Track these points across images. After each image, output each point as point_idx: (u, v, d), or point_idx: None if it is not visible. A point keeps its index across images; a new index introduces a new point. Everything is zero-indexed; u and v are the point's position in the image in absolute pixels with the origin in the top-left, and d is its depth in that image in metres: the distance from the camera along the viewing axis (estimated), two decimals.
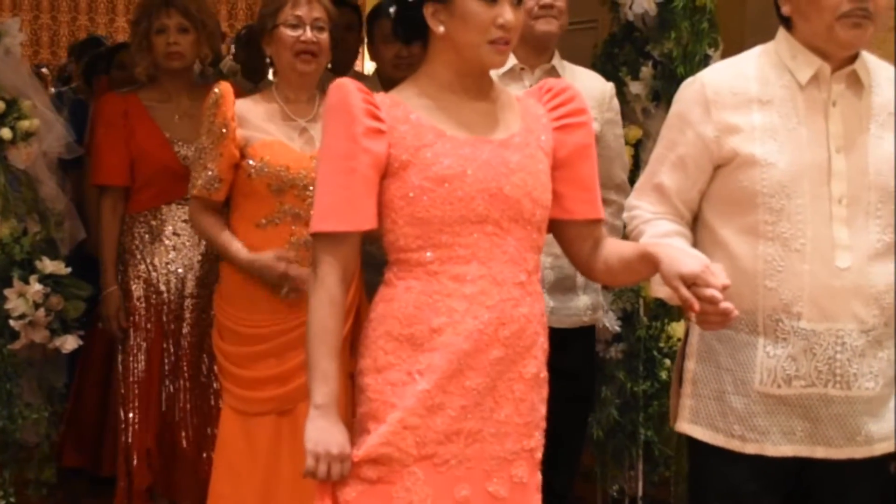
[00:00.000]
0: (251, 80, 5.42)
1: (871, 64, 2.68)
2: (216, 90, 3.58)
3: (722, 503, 2.70)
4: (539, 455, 2.56)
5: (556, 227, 2.62)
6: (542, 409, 2.57)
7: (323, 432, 2.41)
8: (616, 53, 4.52)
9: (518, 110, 2.58)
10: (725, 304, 2.29)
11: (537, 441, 2.55)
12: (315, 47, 3.56)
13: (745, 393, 2.63)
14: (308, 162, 3.50)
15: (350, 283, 2.52)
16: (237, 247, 3.56)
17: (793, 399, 2.59)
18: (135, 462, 4.17)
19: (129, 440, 4.20)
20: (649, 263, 2.45)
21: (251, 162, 3.52)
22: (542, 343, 2.55)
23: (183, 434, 4.23)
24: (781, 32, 2.69)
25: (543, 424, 2.58)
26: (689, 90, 2.73)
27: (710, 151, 2.65)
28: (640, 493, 4.55)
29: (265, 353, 3.56)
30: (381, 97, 2.50)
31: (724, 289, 2.30)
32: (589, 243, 2.62)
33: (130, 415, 4.20)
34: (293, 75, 3.60)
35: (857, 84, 2.63)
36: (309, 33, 3.54)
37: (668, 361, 4.37)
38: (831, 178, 2.58)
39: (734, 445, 2.65)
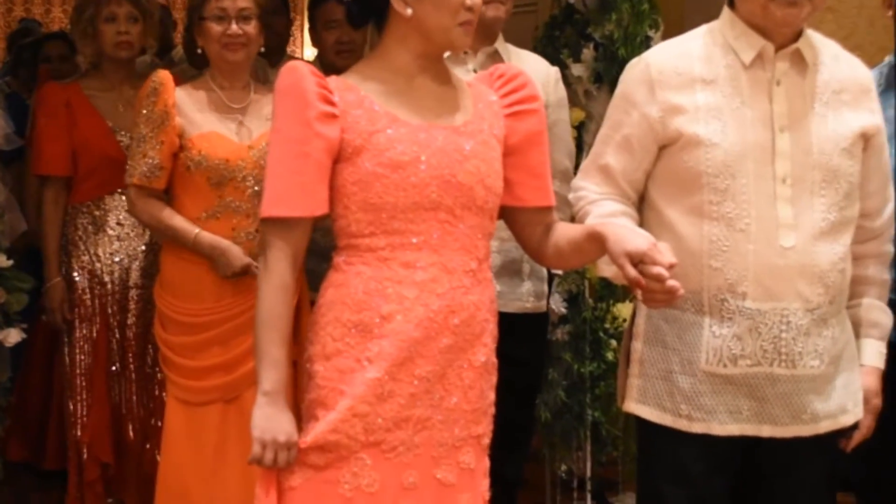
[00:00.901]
0: (197, 67, 5.39)
1: (817, 41, 2.68)
2: (155, 78, 3.57)
3: (670, 483, 2.69)
4: (486, 441, 2.57)
5: (506, 213, 2.62)
6: (491, 396, 2.57)
7: (270, 420, 2.39)
8: (557, 36, 4.53)
9: (470, 96, 2.57)
10: (672, 282, 2.28)
11: (485, 427, 2.55)
12: (242, 38, 3.55)
13: (692, 372, 2.63)
14: (246, 152, 3.50)
15: (300, 269, 2.51)
16: (196, 229, 3.53)
17: (739, 378, 2.60)
18: (84, 455, 4.15)
19: (78, 433, 4.17)
20: (596, 242, 2.44)
21: (189, 154, 3.50)
22: (492, 330, 2.55)
23: (129, 426, 4.21)
24: (725, 11, 2.69)
25: (492, 410, 2.58)
26: (635, 70, 2.73)
27: (654, 132, 2.65)
28: (588, 473, 4.57)
29: (210, 341, 3.55)
30: (333, 80, 2.47)
31: (670, 267, 2.29)
32: (539, 230, 2.62)
33: (78, 407, 4.17)
34: (224, 65, 3.60)
35: (801, 63, 2.63)
36: (234, 26, 3.53)
37: (614, 342, 4.39)
38: (775, 158, 2.58)
39: (681, 425, 2.65)
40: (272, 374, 2.41)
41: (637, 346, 2.75)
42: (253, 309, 3.29)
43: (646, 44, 4.25)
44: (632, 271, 2.30)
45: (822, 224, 2.58)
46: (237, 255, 3.51)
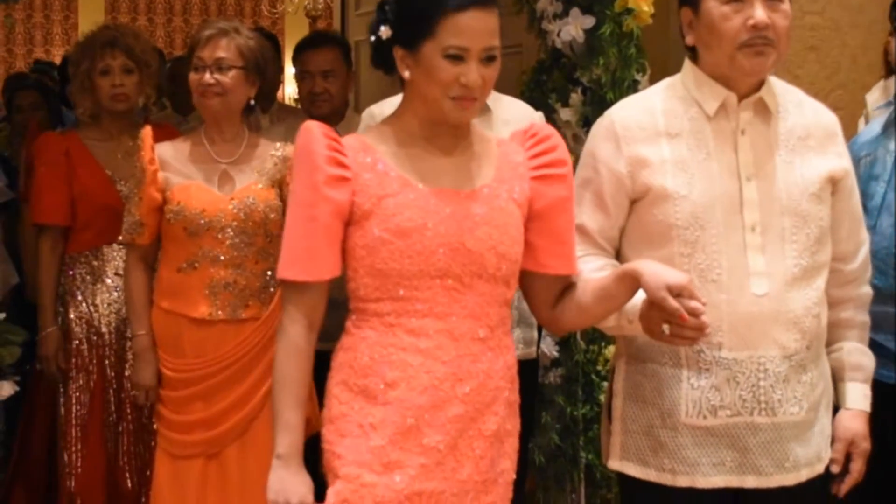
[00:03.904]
0: (181, 113, 5.43)
1: (780, 89, 2.70)
2: (139, 135, 3.61)
3: None
4: None
5: (525, 277, 2.57)
6: (502, 464, 2.53)
7: (284, 482, 2.39)
8: (545, 80, 4.53)
9: (495, 157, 2.54)
10: (705, 318, 2.33)
11: (496, 495, 2.51)
12: (215, 88, 3.55)
13: (672, 426, 2.63)
14: (226, 204, 3.52)
15: (317, 330, 2.49)
16: (143, 330, 3.68)
17: (720, 429, 2.60)
18: None
19: (73, 484, 4.17)
20: (629, 282, 2.43)
21: (170, 206, 3.53)
22: (507, 397, 2.52)
23: (126, 476, 4.21)
24: (687, 64, 2.71)
25: (504, 478, 2.54)
26: (600, 128, 2.74)
27: (625, 187, 2.66)
28: None
29: (192, 396, 3.57)
30: (350, 140, 2.47)
31: (703, 304, 2.34)
32: (556, 296, 2.59)
33: (74, 458, 4.17)
34: (205, 114, 3.62)
35: (765, 111, 2.65)
36: (207, 76, 3.54)
37: (606, 384, 4.38)
38: (743, 207, 2.59)
39: (666, 480, 2.64)
40: (286, 437, 2.41)
41: (617, 403, 2.75)
42: (234, 366, 3.44)
43: (633, 87, 4.26)
44: (673, 303, 2.32)
45: (795, 270, 2.59)
46: (148, 373, 3.67)
